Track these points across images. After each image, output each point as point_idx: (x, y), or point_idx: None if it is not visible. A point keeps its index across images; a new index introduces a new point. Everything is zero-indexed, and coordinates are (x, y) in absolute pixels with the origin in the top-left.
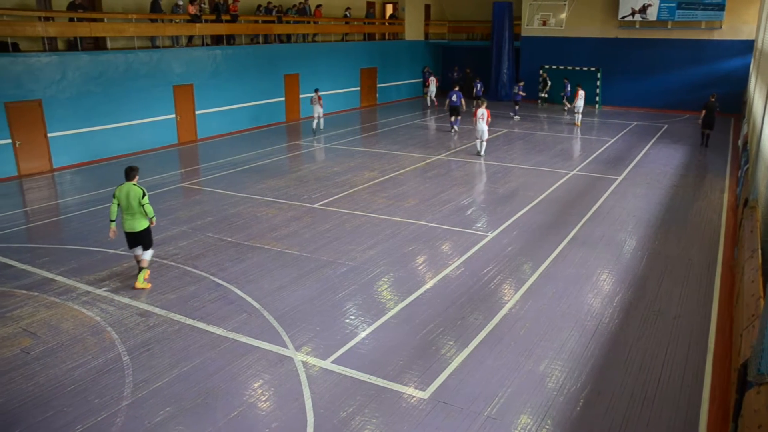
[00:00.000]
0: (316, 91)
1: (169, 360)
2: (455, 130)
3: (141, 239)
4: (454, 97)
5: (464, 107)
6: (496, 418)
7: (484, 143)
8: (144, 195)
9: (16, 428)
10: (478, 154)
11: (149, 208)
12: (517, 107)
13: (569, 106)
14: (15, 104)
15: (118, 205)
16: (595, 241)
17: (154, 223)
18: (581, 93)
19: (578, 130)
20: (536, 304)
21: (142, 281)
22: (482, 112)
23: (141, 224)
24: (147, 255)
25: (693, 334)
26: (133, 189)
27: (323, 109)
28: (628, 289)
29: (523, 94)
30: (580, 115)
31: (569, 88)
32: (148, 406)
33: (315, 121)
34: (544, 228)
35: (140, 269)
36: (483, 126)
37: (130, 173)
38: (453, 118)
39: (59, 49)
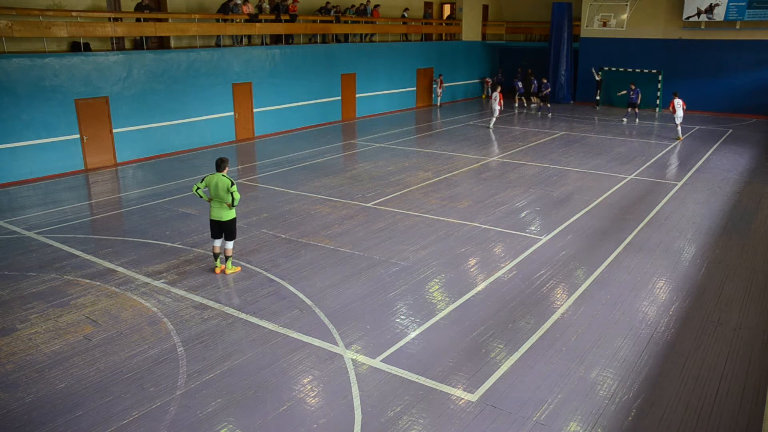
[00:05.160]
0: (440, 75)
1: (221, 352)
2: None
3: (226, 229)
4: (519, 84)
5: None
6: (544, 424)
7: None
8: (232, 184)
9: (79, 410)
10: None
11: (237, 195)
12: (637, 110)
13: (535, 103)
14: (84, 101)
15: (206, 190)
16: (652, 247)
17: (235, 204)
18: (679, 102)
19: (679, 144)
20: (589, 310)
21: (230, 266)
22: (495, 95)
23: (228, 214)
24: (229, 245)
25: (755, 348)
26: (222, 180)
27: (442, 90)
28: (686, 298)
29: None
30: (680, 128)
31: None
32: (201, 397)
33: (438, 98)
34: (600, 233)
35: (226, 258)
36: (495, 106)
37: (220, 165)
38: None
39: (126, 48)
